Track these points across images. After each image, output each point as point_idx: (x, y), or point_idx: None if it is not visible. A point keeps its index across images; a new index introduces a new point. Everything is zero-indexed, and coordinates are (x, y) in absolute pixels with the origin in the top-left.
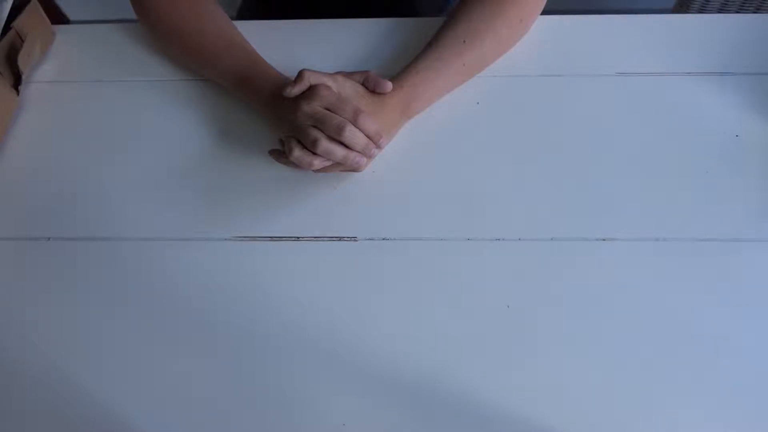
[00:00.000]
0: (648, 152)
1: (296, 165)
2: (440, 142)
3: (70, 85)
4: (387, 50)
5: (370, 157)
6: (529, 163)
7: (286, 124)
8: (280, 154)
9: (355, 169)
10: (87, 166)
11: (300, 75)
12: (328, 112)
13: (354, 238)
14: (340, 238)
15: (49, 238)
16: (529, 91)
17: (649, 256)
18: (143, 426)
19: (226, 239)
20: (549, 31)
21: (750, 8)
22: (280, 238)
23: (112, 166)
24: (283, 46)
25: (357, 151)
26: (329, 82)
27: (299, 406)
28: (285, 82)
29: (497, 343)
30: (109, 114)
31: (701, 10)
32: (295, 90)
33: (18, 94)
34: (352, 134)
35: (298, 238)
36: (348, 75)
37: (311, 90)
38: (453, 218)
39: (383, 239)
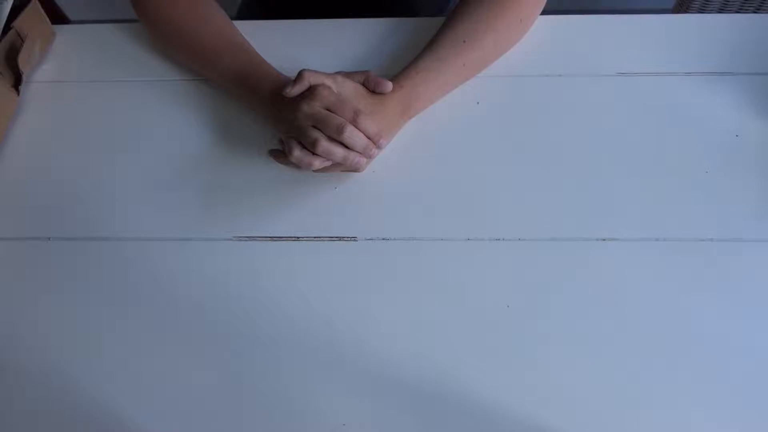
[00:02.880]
0: (648, 152)
1: (296, 165)
2: (440, 142)
3: (70, 85)
4: (387, 50)
5: (370, 157)
6: (529, 163)
7: (285, 124)
8: (280, 155)
9: (355, 169)
10: (87, 166)
11: (300, 75)
12: (328, 112)
13: (354, 238)
14: (340, 238)
15: (49, 238)
16: (529, 91)
17: (649, 256)
18: (143, 426)
19: (226, 239)
20: (549, 31)
21: (750, 8)
22: (280, 238)
23: (112, 166)
24: (283, 46)
25: (357, 152)
26: (329, 82)
27: (299, 406)
28: (285, 82)
29: (497, 343)
30: (109, 114)
31: (701, 10)
32: (295, 90)
33: (18, 94)
34: (352, 135)
35: (298, 238)
36: (348, 75)
37: (311, 90)
38: (453, 218)
39: (383, 239)
